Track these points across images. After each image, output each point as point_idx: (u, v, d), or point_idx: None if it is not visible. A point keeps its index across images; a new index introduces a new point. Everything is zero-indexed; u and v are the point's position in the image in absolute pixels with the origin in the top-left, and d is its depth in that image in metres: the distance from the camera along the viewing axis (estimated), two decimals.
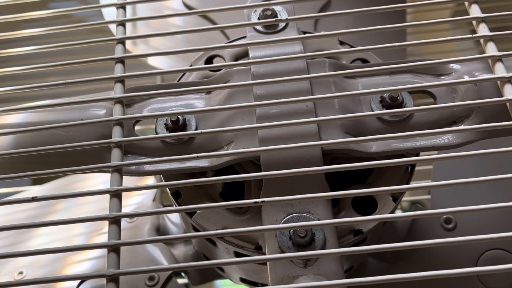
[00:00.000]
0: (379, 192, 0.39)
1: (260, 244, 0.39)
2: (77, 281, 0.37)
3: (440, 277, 0.29)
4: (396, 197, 0.40)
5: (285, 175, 0.35)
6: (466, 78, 0.40)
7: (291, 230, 0.36)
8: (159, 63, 0.59)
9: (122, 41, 0.42)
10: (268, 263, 0.35)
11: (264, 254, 0.38)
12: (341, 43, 0.47)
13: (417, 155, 0.41)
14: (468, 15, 0.41)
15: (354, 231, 0.39)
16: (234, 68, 0.42)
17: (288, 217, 0.37)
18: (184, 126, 0.40)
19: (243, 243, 0.39)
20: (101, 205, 0.48)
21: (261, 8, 0.44)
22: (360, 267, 0.48)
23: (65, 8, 0.45)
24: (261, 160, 0.38)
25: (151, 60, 0.58)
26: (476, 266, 0.44)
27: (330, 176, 0.38)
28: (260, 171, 0.38)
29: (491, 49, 0.38)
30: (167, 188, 0.42)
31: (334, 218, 0.37)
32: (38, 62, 0.41)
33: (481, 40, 0.39)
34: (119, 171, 0.35)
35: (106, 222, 0.33)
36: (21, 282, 0.33)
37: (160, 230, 0.54)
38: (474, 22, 0.40)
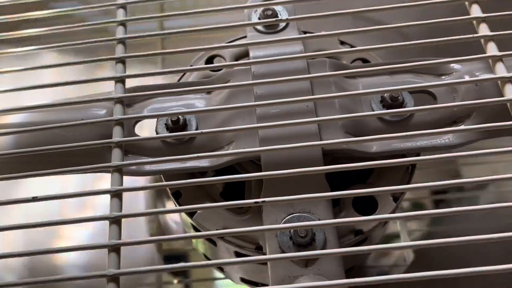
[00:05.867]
0: (379, 192, 0.39)
1: (261, 244, 0.39)
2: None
3: (441, 277, 0.29)
4: (397, 197, 0.40)
5: (285, 175, 0.34)
6: (467, 78, 0.40)
7: (292, 230, 0.36)
8: None
9: (122, 41, 0.42)
10: (268, 263, 0.35)
11: (265, 254, 0.38)
12: (342, 43, 0.47)
13: (418, 155, 0.41)
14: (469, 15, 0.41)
15: (354, 231, 0.39)
16: (235, 68, 0.43)
17: (289, 217, 0.37)
18: (184, 126, 0.40)
19: (243, 243, 0.39)
20: None
21: (262, 8, 0.44)
22: None
23: (65, 8, 0.45)
24: (261, 160, 0.38)
25: None
26: None
27: (330, 176, 0.38)
28: (261, 171, 0.37)
29: (492, 49, 0.38)
30: (167, 188, 0.42)
31: (334, 218, 0.37)
32: (39, 63, 0.41)
33: (482, 40, 0.39)
34: (119, 171, 0.35)
35: None
36: (22, 282, 0.33)
37: None
38: (474, 22, 0.40)
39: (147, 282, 0.66)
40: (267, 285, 0.38)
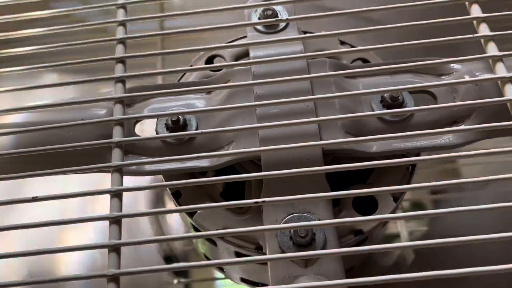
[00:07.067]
0: (379, 192, 0.39)
1: (261, 244, 0.39)
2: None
3: (442, 277, 0.29)
4: (397, 197, 0.40)
5: (285, 175, 0.34)
6: (467, 78, 0.40)
7: (292, 230, 0.36)
8: None
9: (122, 41, 0.42)
10: (268, 263, 0.35)
11: (265, 254, 0.38)
12: (342, 43, 0.47)
13: (418, 155, 0.41)
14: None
15: (354, 231, 0.39)
16: (235, 68, 0.42)
17: (289, 217, 0.37)
18: (184, 126, 0.40)
19: (243, 243, 0.39)
20: None
21: (262, 8, 0.44)
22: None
23: (65, 8, 0.45)
24: (261, 160, 0.38)
25: None
26: None
27: (330, 176, 0.38)
28: (261, 171, 0.37)
29: (492, 49, 0.38)
30: (167, 188, 0.42)
31: (334, 218, 0.37)
32: (38, 62, 0.41)
33: (482, 40, 0.39)
34: (119, 171, 0.35)
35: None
36: (22, 282, 0.33)
37: None
38: (474, 22, 0.40)
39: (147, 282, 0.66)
40: (267, 285, 0.38)
